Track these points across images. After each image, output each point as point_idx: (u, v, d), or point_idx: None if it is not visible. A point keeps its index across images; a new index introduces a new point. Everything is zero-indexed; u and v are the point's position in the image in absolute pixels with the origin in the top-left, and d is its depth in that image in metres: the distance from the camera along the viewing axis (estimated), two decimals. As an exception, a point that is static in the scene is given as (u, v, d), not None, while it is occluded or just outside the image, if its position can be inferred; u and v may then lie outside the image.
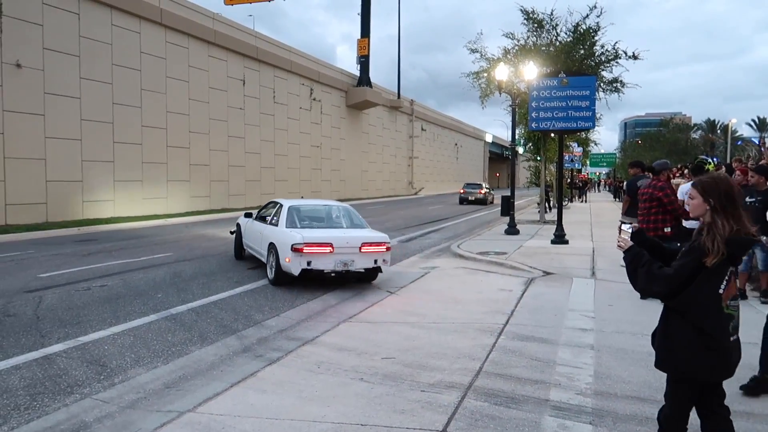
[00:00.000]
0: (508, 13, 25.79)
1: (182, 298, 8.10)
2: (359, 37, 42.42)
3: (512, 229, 16.36)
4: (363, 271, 9.26)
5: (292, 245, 8.55)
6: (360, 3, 41.87)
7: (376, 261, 9.04)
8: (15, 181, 18.69)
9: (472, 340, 5.77)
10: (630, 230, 3.11)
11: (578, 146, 39.06)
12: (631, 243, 3.06)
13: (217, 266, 10.91)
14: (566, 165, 38.37)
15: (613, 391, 4.44)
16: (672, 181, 13.18)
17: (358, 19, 42.22)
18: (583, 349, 5.40)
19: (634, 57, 18.02)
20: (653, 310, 6.93)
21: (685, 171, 21.38)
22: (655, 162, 8.58)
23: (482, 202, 37.22)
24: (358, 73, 43.81)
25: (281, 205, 10.11)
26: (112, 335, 6.20)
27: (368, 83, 43.62)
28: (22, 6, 18.72)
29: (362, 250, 8.87)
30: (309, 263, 8.61)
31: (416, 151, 59.04)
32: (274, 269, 9.08)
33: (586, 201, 40.43)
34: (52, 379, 4.89)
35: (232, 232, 12.40)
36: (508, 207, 17.83)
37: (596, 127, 34.67)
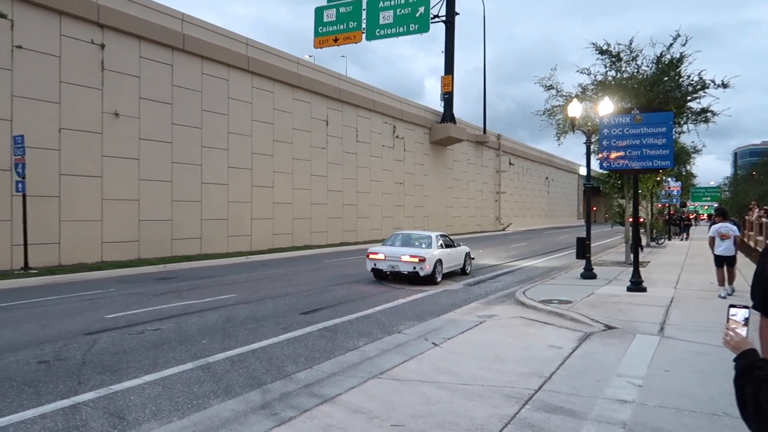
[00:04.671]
0: (598, 40, 24.93)
1: (225, 345, 8.24)
2: (443, 74, 42.65)
3: (588, 273, 15.41)
4: (406, 273, 14.60)
5: (367, 253, 15.59)
6: (444, 40, 42.18)
7: (414, 267, 14.51)
8: (111, 220, 20.21)
9: (493, 409, 5.37)
10: (744, 317, 2.07)
11: (676, 180, 36.72)
12: (746, 341, 1.98)
13: (272, 310, 11.07)
14: (663, 200, 36.21)
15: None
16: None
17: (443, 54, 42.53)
18: (613, 427, 4.84)
19: (724, 85, 16.76)
20: (715, 379, 6.17)
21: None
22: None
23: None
24: (441, 110, 43.96)
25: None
26: (143, 384, 6.36)
27: (452, 119, 43.60)
28: (122, 60, 20.50)
29: (402, 260, 14.71)
30: (375, 264, 15.22)
31: (504, 185, 57.95)
32: None
33: (687, 239, 37.66)
34: (69, 431, 5.06)
35: None
36: (583, 249, 16.82)
37: (697, 157, 32.50)
